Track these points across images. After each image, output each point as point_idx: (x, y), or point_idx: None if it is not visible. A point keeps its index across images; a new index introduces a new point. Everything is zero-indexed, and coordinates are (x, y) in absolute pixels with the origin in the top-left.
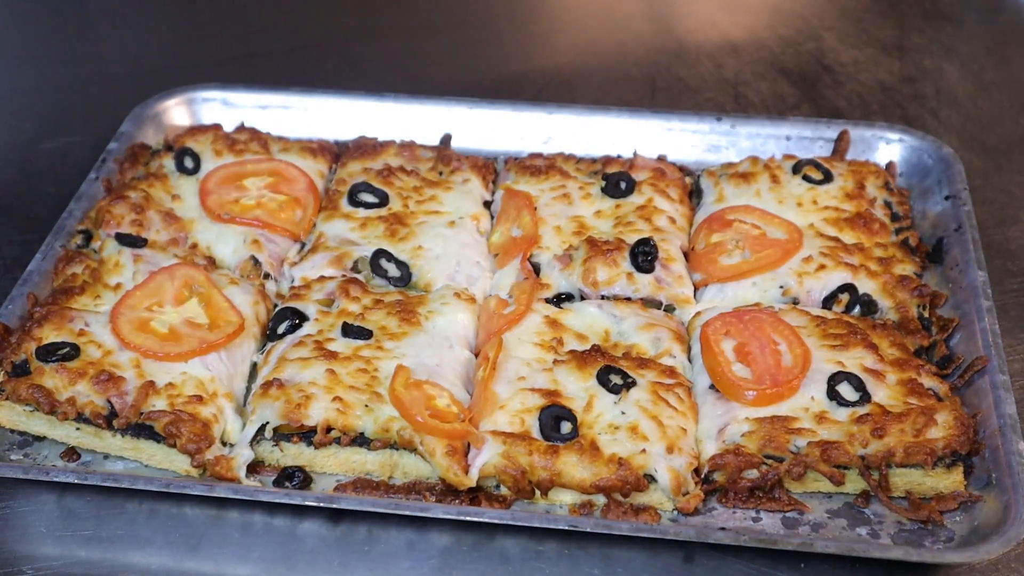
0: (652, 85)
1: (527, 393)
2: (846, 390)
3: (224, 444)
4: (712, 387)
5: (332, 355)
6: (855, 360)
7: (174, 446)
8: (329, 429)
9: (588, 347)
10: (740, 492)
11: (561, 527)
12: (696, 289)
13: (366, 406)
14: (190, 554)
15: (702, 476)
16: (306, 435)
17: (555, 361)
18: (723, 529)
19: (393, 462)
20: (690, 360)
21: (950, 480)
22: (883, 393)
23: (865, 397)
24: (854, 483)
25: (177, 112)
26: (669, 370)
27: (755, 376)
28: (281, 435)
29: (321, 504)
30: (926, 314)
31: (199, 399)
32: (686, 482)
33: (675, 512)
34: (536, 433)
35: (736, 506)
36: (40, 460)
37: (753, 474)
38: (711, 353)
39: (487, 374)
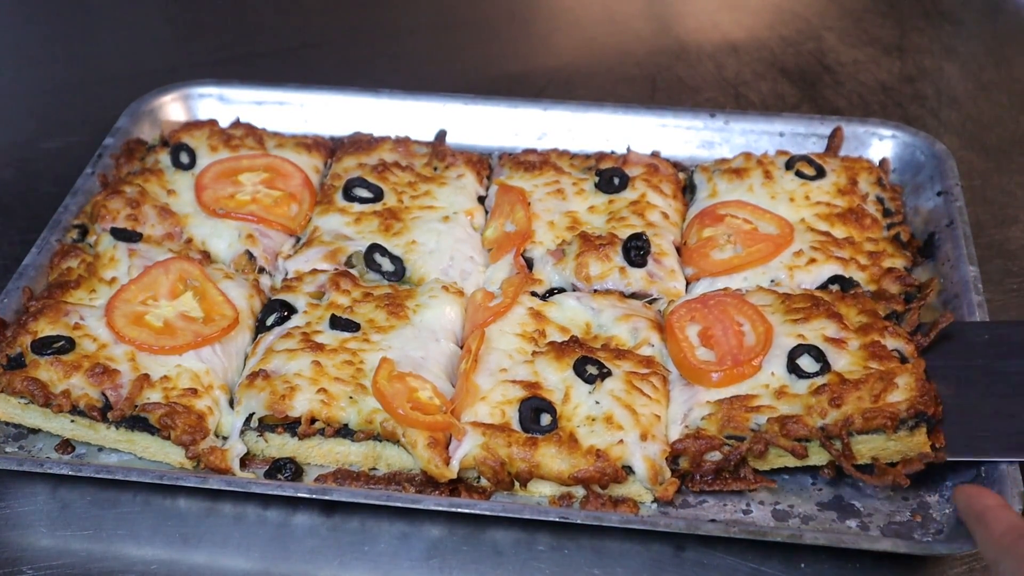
0: (652, 85)
1: (508, 385)
2: (806, 362)
3: (218, 436)
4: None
5: (319, 347)
6: (816, 331)
7: (168, 438)
8: (313, 420)
9: (567, 339)
10: (705, 475)
11: (552, 519)
12: (688, 283)
13: (351, 398)
14: (183, 546)
15: (667, 462)
16: (290, 426)
17: (534, 353)
18: (713, 521)
19: (376, 453)
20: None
21: (914, 442)
22: (844, 361)
23: (825, 367)
24: (819, 455)
25: (173, 108)
26: (646, 360)
27: (718, 358)
28: (266, 426)
29: (314, 496)
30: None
31: (194, 392)
32: (662, 470)
33: (654, 504)
34: (516, 425)
35: (703, 489)
36: (35, 452)
37: (716, 456)
38: (675, 340)
39: (469, 366)
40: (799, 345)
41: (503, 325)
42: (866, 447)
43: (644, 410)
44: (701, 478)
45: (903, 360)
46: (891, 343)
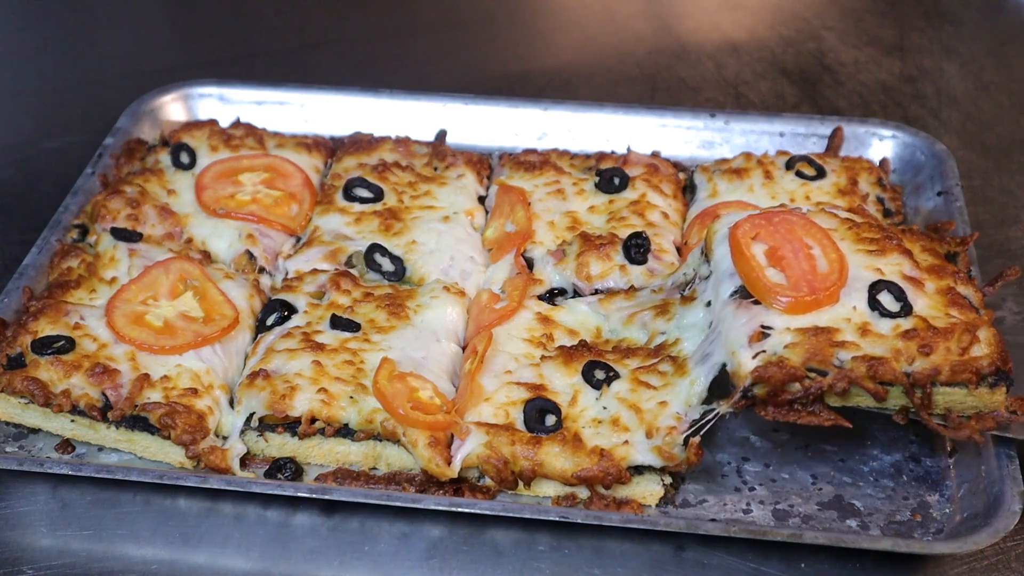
0: (652, 85)
1: (513, 386)
2: (887, 300)
3: (218, 436)
4: (733, 295)
5: (319, 347)
6: (893, 267)
7: (168, 438)
8: (313, 420)
9: (576, 342)
10: (780, 405)
11: (552, 518)
12: None
13: (351, 398)
14: (183, 546)
15: (743, 389)
16: (291, 426)
17: (542, 357)
18: (713, 520)
19: (376, 453)
20: (708, 274)
21: (992, 399)
22: (923, 303)
23: (906, 308)
24: (897, 400)
25: (173, 108)
26: (655, 351)
27: (791, 282)
28: (266, 425)
29: (314, 496)
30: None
31: (194, 392)
32: (671, 445)
33: (655, 507)
34: (520, 425)
35: (776, 418)
36: (35, 452)
37: (795, 387)
38: (743, 258)
39: (474, 367)
40: (879, 280)
41: (510, 328)
42: (944, 399)
43: (650, 404)
44: (775, 408)
45: (975, 309)
46: (962, 290)
